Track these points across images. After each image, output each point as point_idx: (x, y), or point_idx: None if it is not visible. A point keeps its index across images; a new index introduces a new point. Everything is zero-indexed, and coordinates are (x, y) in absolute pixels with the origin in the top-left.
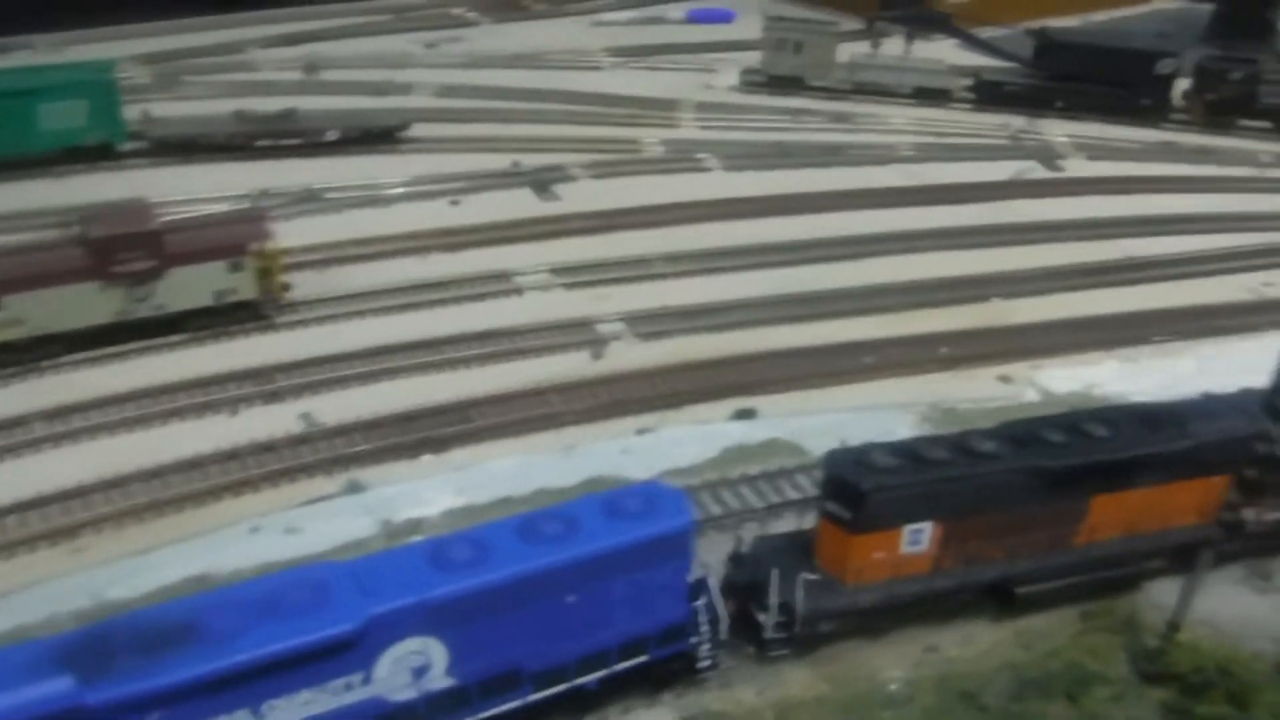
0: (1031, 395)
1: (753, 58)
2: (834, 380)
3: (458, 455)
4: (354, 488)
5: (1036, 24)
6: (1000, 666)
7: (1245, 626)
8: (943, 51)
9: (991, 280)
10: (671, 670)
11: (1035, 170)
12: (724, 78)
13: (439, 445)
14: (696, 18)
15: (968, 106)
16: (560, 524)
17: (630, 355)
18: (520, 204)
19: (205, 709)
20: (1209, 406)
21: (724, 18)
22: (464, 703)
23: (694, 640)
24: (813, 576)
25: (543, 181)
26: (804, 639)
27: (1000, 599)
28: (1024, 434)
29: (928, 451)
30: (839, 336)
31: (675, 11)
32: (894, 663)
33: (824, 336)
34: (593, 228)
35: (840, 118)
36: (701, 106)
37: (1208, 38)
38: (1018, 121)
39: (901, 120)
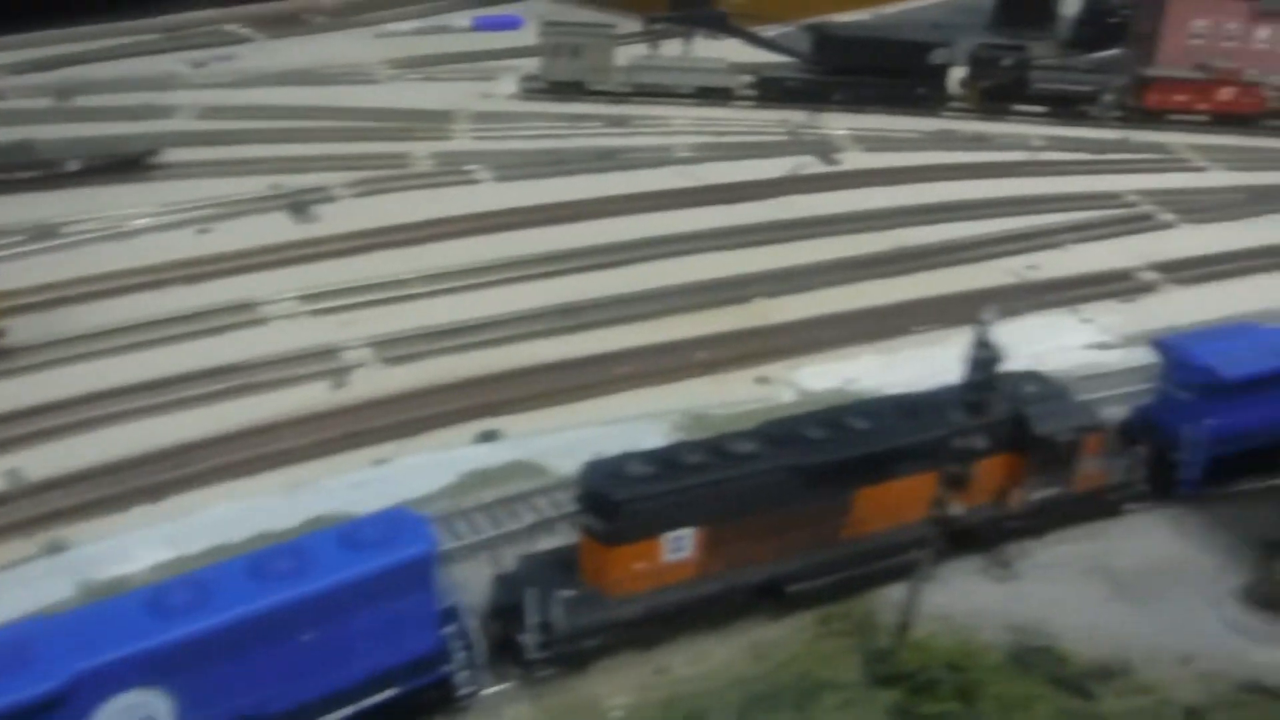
0: (787, 396)
1: (535, 64)
2: (586, 394)
3: (173, 504)
4: (54, 548)
5: (824, 19)
6: (730, 683)
7: (980, 618)
8: (727, 50)
9: (757, 279)
10: (427, 701)
11: (811, 165)
12: (503, 86)
13: (153, 494)
14: (482, 25)
15: (750, 104)
16: (292, 559)
17: (374, 382)
18: (275, 228)
19: None
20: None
21: (511, 24)
22: None
23: (448, 669)
24: (571, 593)
25: (301, 203)
26: (569, 657)
27: (772, 599)
28: (783, 433)
29: (685, 457)
30: (596, 348)
31: (461, 20)
32: (620, 689)
33: (581, 349)
34: (350, 249)
35: (618, 121)
36: (478, 117)
37: (993, 25)
38: (798, 117)
39: (681, 121)
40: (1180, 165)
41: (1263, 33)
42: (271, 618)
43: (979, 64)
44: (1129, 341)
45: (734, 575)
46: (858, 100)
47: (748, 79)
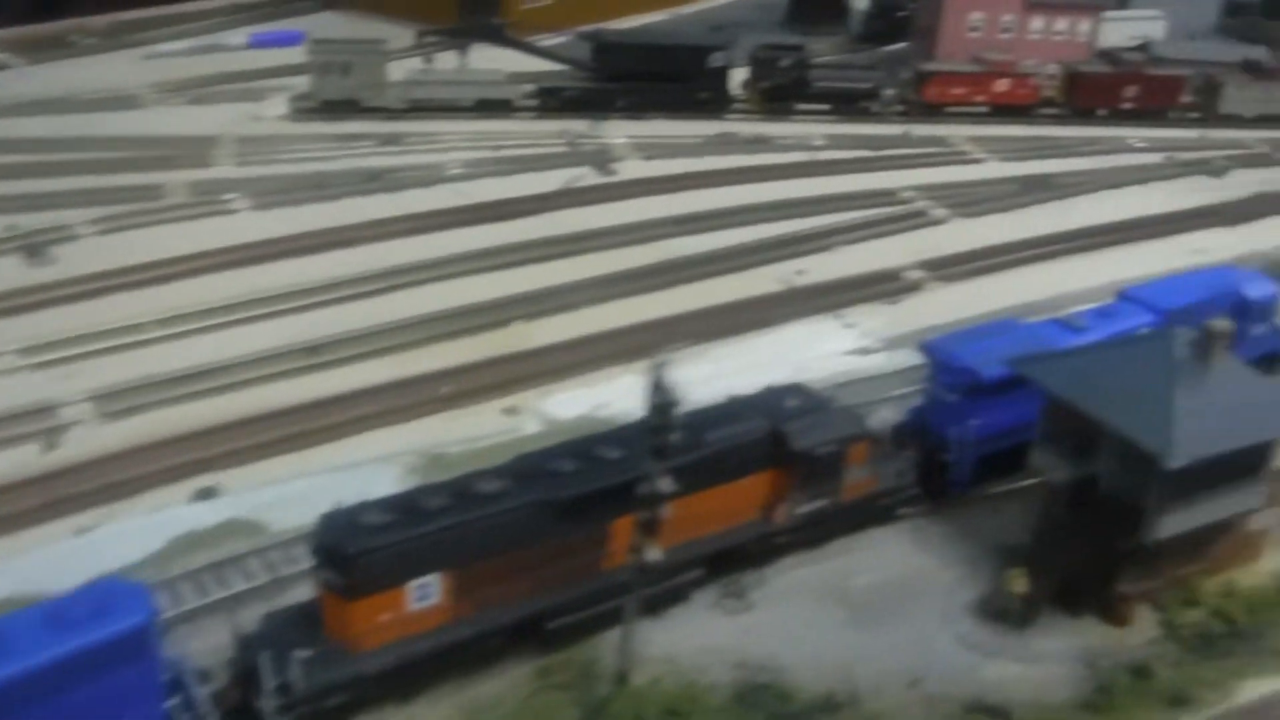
0: (532, 427)
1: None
2: (318, 440)
3: None
4: None
5: (604, 25)
6: None
7: (708, 656)
8: (511, 60)
9: (518, 301)
10: None
11: (587, 177)
12: (274, 107)
13: None
14: (260, 43)
15: (531, 115)
16: (87, 606)
17: (90, 441)
18: (4, 274)
19: None
20: (728, 411)
21: (291, 40)
22: None
23: None
24: (310, 651)
25: (37, 245)
26: (313, 717)
27: (535, 638)
28: (532, 468)
29: (425, 501)
30: (336, 388)
31: (237, 38)
32: None
33: (319, 390)
34: (85, 293)
35: (391, 139)
36: (244, 141)
37: (787, 21)
38: (579, 126)
39: (456, 137)
40: (958, 158)
41: (1036, 23)
42: (68, 667)
43: (759, 65)
44: (890, 345)
45: (489, 617)
46: (639, 107)
47: (529, 89)
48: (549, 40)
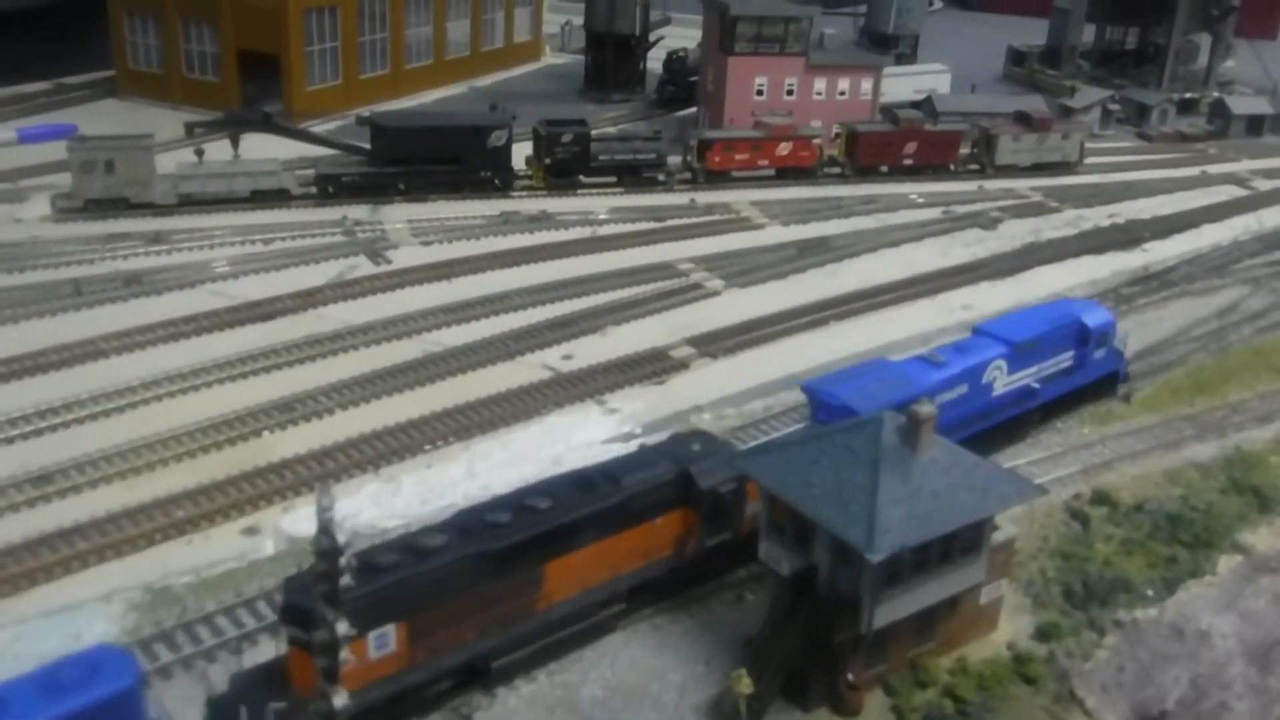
0: (270, 547)
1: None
2: (35, 580)
3: None
4: None
5: (406, 101)
6: None
7: None
8: (291, 147)
9: (269, 409)
10: None
11: (359, 267)
12: (35, 207)
13: None
14: (31, 137)
15: (309, 204)
16: (81, 670)
17: None
18: None
19: None
20: (641, 458)
21: (65, 133)
22: None
23: None
24: (282, 705)
25: None
26: None
27: (480, 678)
28: (470, 521)
29: (378, 558)
30: (54, 523)
31: (5, 133)
32: None
33: (34, 527)
34: None
35: (158, 238)
36: None
37: (585, 89)
38: (359, 213)
39: (228, 230)
40: (741, 225)
41: (819, 84)
42: None
43: (541, 141)
44: (651, 429)
45: (439, 661)
46: (420, 190)
47: (306, 177)
48: (328, 125)
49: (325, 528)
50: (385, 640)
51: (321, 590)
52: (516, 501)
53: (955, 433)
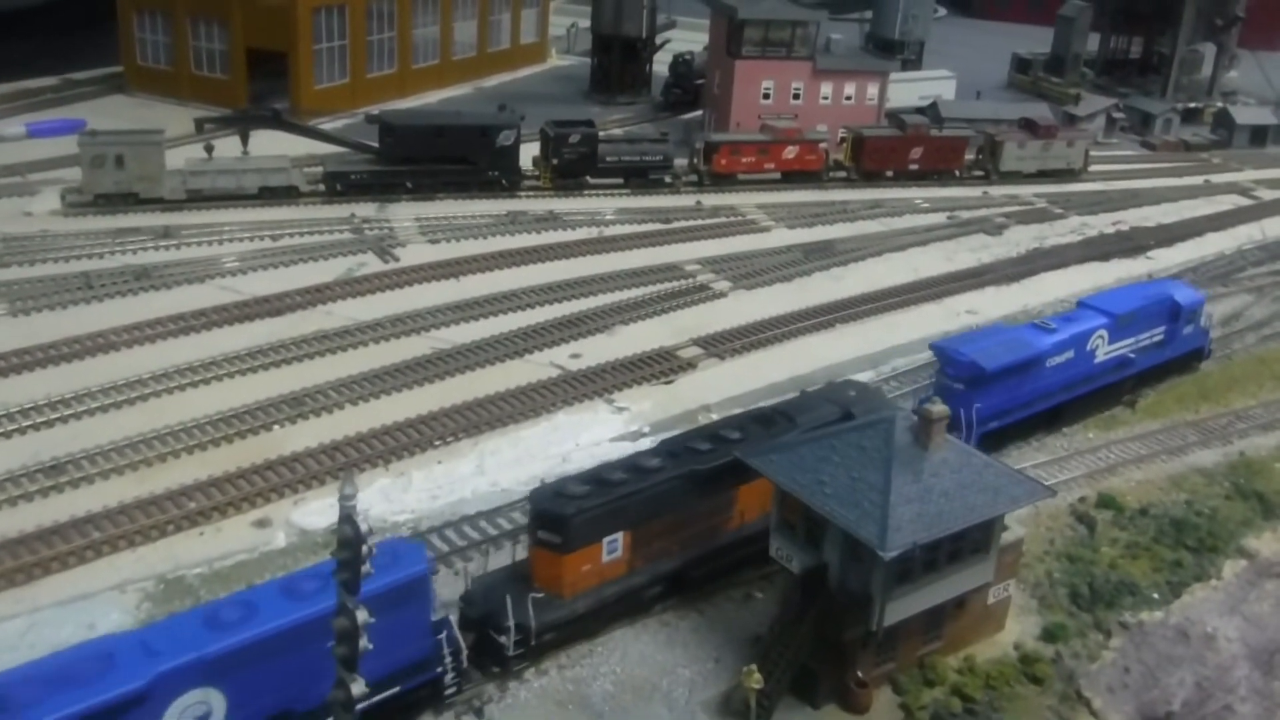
0: (281, 539)
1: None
2: (49, 569)
3: None
4: None
5: (412, 101)
6: None
7: None
8: (299, 144)
9: (280, 404)
10: (421, 698)
11: (367, 265)
12: (45, 202)
13: None
14: (39, 132)
15: (317, 201)
16: (317, 581)
17: None
18: None
19: None
20: (807, 400)
21: (72, 129)
22: None
23: (439, 670)
24: (539, 595)
25: None
26: (537, 650)
27: (681, 586)
28: (676, 448)
29: (609, 475)
30: (76, 509)
31: (14, 127)
32: None
33: (48, 516)
34: None
35: (166, 233)
36: (8, 240)
37: (590, 91)
38: (367, 210)
39: (235, 227)
40: (747, 228)
41: (825, 89)
42: (302, 629)
43: (548, 142)
44: (659, 428)
45: (654, 568)
46: (428, 188)
47: (314, 174)
48: (336, 123)
49: (348, 516)
50: (615, 546)
51: (342, 579)
52: (712, 433)
53: (1060, 394)
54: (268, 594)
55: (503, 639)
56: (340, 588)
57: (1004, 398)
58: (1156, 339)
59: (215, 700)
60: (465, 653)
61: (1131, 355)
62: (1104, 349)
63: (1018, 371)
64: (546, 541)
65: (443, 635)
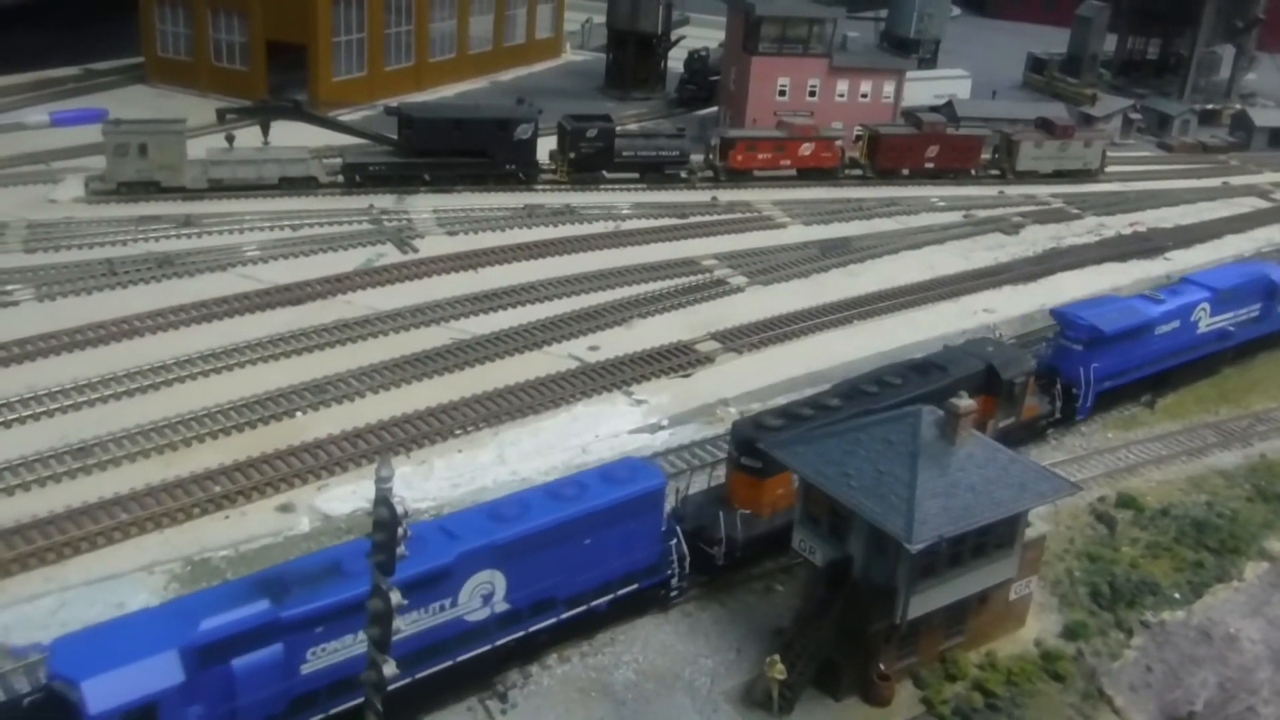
0: (305, 525)
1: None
2: (78, 549)
3: None
4: None
5: (429, 94)
6: None
7: None
8: (318, 136)
9: (302, 391)
10: (651, 597)
11: (386, 256)
12: (70, 189)
13: None
14: (62, 121)
15: (336, 191)
16: (575, 488)
17: None
18: None
19: (350, 625)
20: (953, 354)
21: (95, 118)
22: (517, 622)
23: (669, 573)
24: (745, 513)
25: None
26: (741, 562)
27: None
28: (851, 390)
29: (799, 411)
30: (96, 494)
31: (38, 115)
32: None
33: (77, 497)
34: None
35: (189, 221)
36: (34, 227)
37: (606, 86)
38: (385, 202)
39: (257, 216)
40: (763, 224)
41: (841, 86)
42: (565, 526)
43: (565, 136)
44: (677, 421)
45: None
46: (446, 181)
47: (334, 165)
48: (351, 115)
49: (384, 498)
50: None
51: (377, 561)
52: (877, 378)
53: (1167, 360)
54: (536, 496)
55: (714, 550)
56: (374, 569)
57: (1118, 360)
58: (1253, 314)
59: (498, 582)
60: (688, 560)
61: (1231, 328)
62: (1206, 321)
63: (1131, 336)
64: (748, 466)
65: (672, 543)
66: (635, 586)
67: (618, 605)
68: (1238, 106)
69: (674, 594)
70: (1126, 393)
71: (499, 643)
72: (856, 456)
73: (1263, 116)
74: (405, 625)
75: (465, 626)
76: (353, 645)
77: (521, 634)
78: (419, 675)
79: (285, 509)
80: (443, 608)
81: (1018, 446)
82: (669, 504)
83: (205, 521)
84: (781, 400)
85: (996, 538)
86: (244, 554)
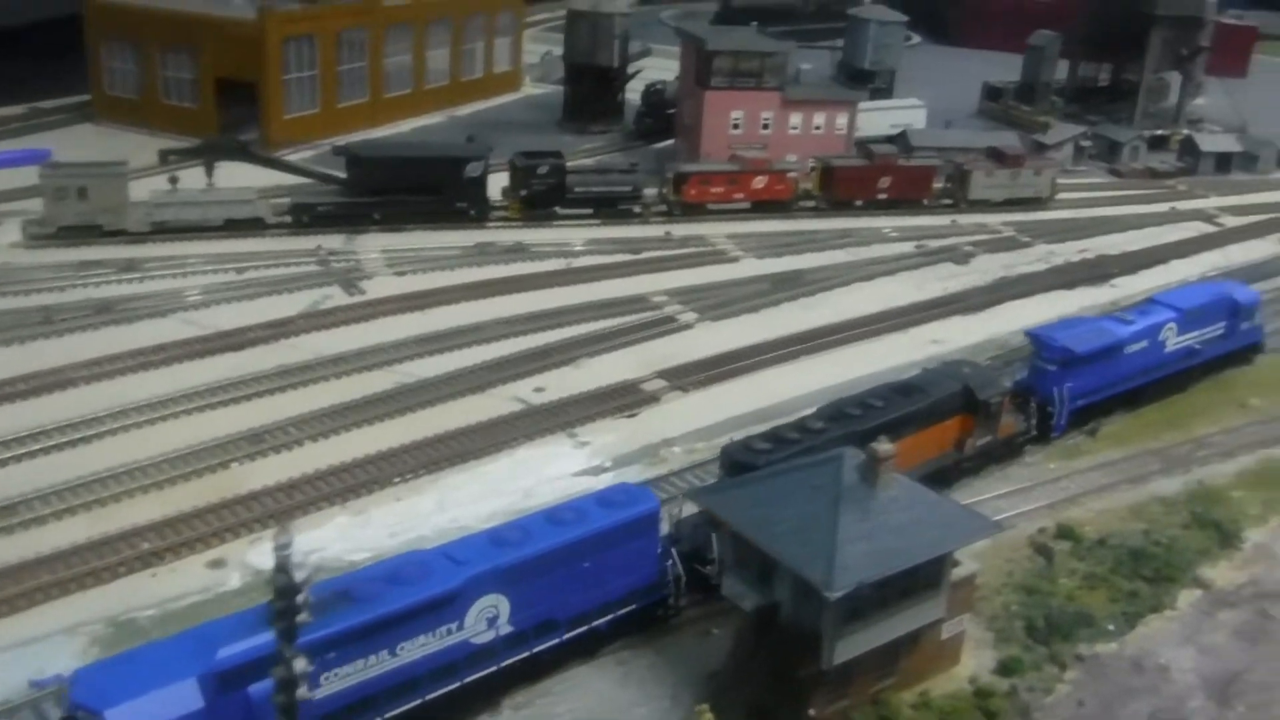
0: (236, 580)
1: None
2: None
3: None
4: None
5: (385, 130)
6: None
7: None
8: (267, 175)
9: (239, 441)
10: (651, 616)
11: (333, 298)
12: (7, 234)
13: None
14: (4, 162)
15: (284, 232)
16: (573, 513)
17: None
18: None
19: (363, 649)
20: (931, 376)
21: (38, 158)
22: (522, 643)
23: (665, 592)
24: None
25: None
26: None
27: None
28: (835, 413)
29: (787, 434)
30: (27, 551)
31: None
32: None
33: (9, 555)
34: None
35: (130, 266)
36: None
37: (564, 120)
38: (334, 242)
39: (201, 259)
40: (716, 258)
41: (795, 119)
42: (566, 549)
43: (516, 173)
44: (622, 462)
45: None
46: (396, 220)
47: (281, 205)
48: (305, 153)
49: (283, 565)
50: None
51: (279, 629)
52: (860, 400)
53: (1137, 378)
54: (535, 522)
55: (708, 569)
56: (278, 636)
57: (1091, 379)
58: (1219, 333)
59: (502, 605)
60: (684, 580)
61: (1197, 346)
62: (1173, 340)
63: (1103, 356)
64: None
65: (668, 564)
66: (634, 606)
67: (618, 624)
68: (1185, 132)
69: (673, 611)
70: (1099, 411)
71: (505, 664)
72: (782, 502)
73: (1209, 142)
74: (415, 649)
75: (472, 649)
76: (364, 669)
77: (526, 654)
78: (429, 698)
79: (216, 564)
80: (450, 631)
81: (995, 463)
82: (664, 527)
83: (132, 580)
84: (724, 439)
85: (923, 579)
86: (171, 613)
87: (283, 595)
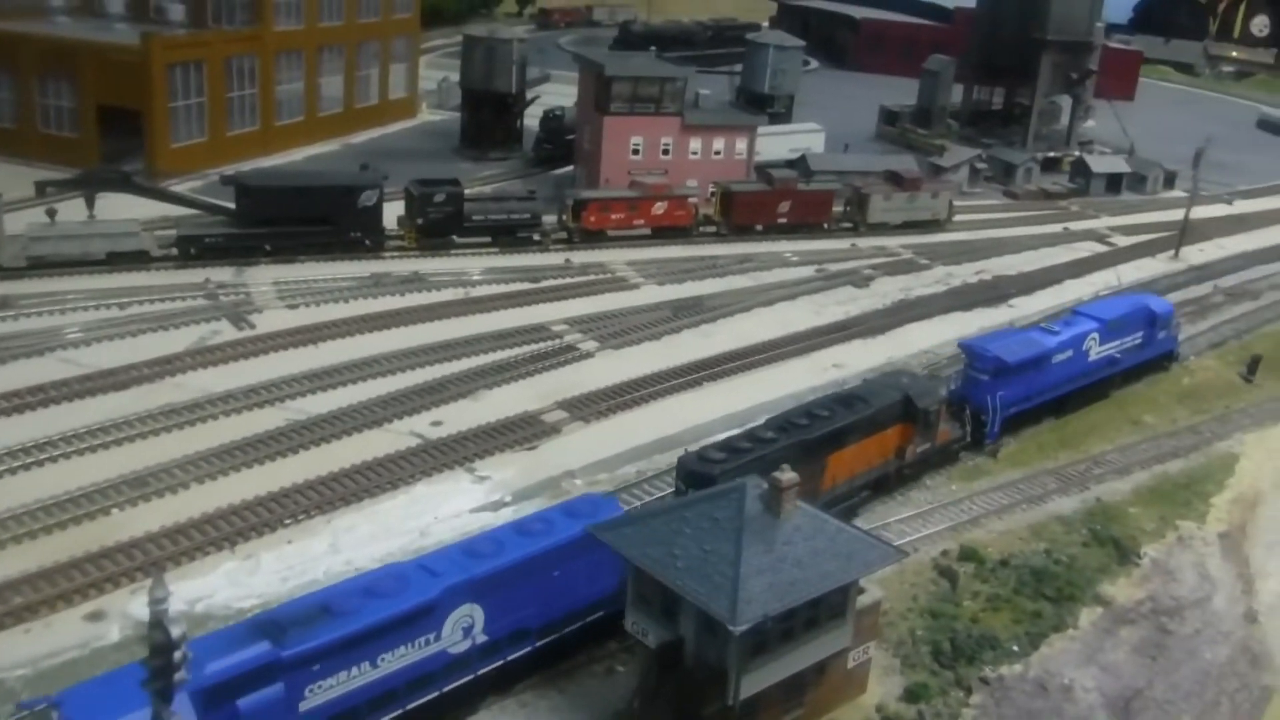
0: (115, 633)
1: None
2: None
3: None
4: None
5: (277, 159)
6: None
7: None
8: (153, 207)
9: (119, 486)
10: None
11: (221, 333)
12: None
13: None
14: None
15: (170, 266)
16: (542, 524)
17: None
18: None
19: (345, 661)
20: (872, 386)
21: None
22: (496, 652)
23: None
24: None
25: None
26: None
27: None
28: (784, 423)
29: (739, 444)
30: None
31: None
32: None
33: None
34: None
35: (5, 303)
36: None
37: (461, 146)
38: (223, 275)
39: (82, 295)
40: (616, 285)
41: (694, 144)
42: (537, 559)
43: (412, 201)
44: (521, 496)
45: None
46: (288, 251)
47: (167, 238)
48: (194, 183)
49: (159, 621)
50: None
51: (155, 689)
52: (807, 410)
53: (1064, 386)
54: (506, 533)
55: None
56: (154, 698)
57: (1021, 388)
58: (1137, 342)
59: (477, 615)
60: None
61: (1117, 355)
62: (1096, 349)
63: (1032, 365)
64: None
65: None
66: (602, 614)
67: (586, 632)
68: (1077, 154)
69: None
70: (1028, 419)
71: (480, 673)
72: (683, 536)
73: (1099, 163)
74: (395, 660)
75: (448, 659)
76: (347, 681)
77: (500, 663)
78: (409, 707)
79: (94, 617)
80: (428, 641)
81: (932, 469)
82: None
83: (3, 637)
84: (630, 468)
85: (828, 609)
86: (44, 671)
87: (159, 653)
